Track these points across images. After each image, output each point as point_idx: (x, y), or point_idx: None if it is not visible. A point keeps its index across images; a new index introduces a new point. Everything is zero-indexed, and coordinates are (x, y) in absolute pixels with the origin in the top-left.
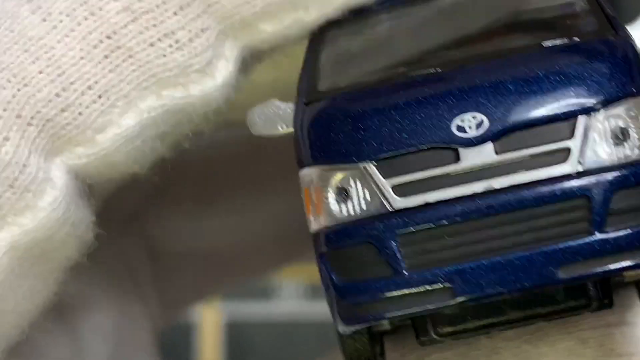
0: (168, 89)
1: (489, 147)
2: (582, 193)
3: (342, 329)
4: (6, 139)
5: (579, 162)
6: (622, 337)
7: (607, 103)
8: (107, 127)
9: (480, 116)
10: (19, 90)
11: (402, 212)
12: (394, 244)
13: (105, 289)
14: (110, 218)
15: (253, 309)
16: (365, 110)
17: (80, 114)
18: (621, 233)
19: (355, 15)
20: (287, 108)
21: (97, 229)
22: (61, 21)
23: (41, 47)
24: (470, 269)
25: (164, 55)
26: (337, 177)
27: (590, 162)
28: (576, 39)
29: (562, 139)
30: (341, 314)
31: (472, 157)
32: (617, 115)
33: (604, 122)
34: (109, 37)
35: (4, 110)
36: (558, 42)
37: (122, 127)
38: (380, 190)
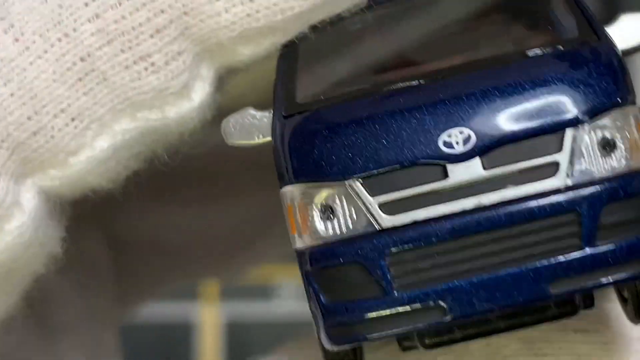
0: (143, 111)
1: (476, 162)
2: (572, 207)
3: (329, 347)
4: None
5: (568, 176)
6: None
7: (593, 114)
8: (80, 150)
9: (467, 131)
10: None
11: (390, 231)
12: (383, 263)
13: (70, 285)
14: (72, 214)
15: (253, 309)
16: (348, 125)
17: (52, 137)
18: (612, 247)
19: (330, 23)
20: (263, 117)
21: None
22: (34, 42)
23: (13, 68)
24: (462, 287)
25: (139, 79)
26: (322, 194)
27: (579, 175)
28: (559, 46)
29: (550, 153)
30: (329, 334)
31: (460, 173)
32: (603, 127)
33: (591, 133)
34: (82, 60)
35: None
36: (542, 50)
37: (95, 149)
38: (367, 208)
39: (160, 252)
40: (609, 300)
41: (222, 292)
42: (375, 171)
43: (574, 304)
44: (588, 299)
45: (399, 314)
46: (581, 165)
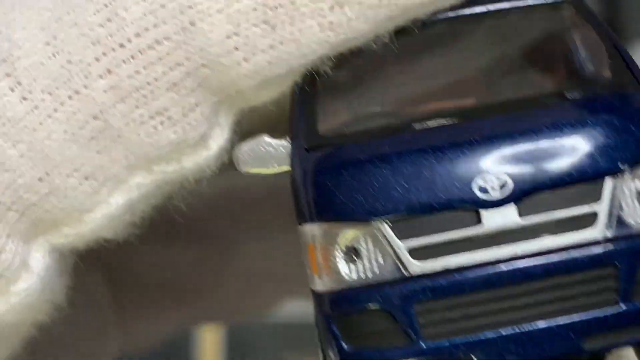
0: (159, 164)
1: (512, 209)
2: (610, 261)
3: None
4: None
5: (607, 228)
6: None
7: (634, 163)
8: (95, 207)
9: (503, 176)
10: None
11: (419, 278)
12: (411, 311)
13: (70, 326)
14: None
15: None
16: (377, 163)
17: (65, 197)
18: None
19: (351, 53)
20: (279, 146)
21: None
22: (43, 100)
23: (22, 129)
24: (492, 340)
25: (156, 134)
26: (347, 235)
27: (618, 227)
28: (600, 90)
29: (588, 202)
30: None
31: (494, 220)
32: None
33: (631, 184)
34: (95, 118)
35: None
36: (581, 93)
37: (111, 206)
38: (395, 252)
39: (161, 293)
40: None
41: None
42: (405, 214)
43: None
44: None
45: None
46: (621, 217)
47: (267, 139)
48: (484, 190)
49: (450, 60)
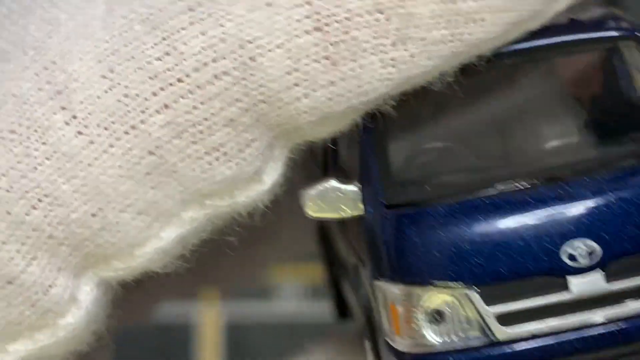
0: (212, 199)
1: (599, 275)
2: None
3: None
4: (34, 258)
5: None
6: None
7: None
8: (147, 242)
9: (592, 244)
10: (51, 211)
11: (506, 343)
12: None
13: None
14: None
15: (253, 309)
16: (463, 228)
17: (118, 232)
18: None
19: (414, 94)
20: (348, 192)
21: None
22: (99, 135)
23: (76, 164)
24: None
25: (211, 169)
26: (432, 299)
27: None
28: None
29: None
30: None
31: (582, 287)
32: None
33: None
34: (151, 153)
35: (34, 230)
36: None
37: (162, 240)
38: (482, 317)
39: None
40: None
41: (221, 293)
42: (493, 282)
43: None
44: None
45: None
46: None
47: (335, 183)
48: (572, 258)
49: (529, 105)
